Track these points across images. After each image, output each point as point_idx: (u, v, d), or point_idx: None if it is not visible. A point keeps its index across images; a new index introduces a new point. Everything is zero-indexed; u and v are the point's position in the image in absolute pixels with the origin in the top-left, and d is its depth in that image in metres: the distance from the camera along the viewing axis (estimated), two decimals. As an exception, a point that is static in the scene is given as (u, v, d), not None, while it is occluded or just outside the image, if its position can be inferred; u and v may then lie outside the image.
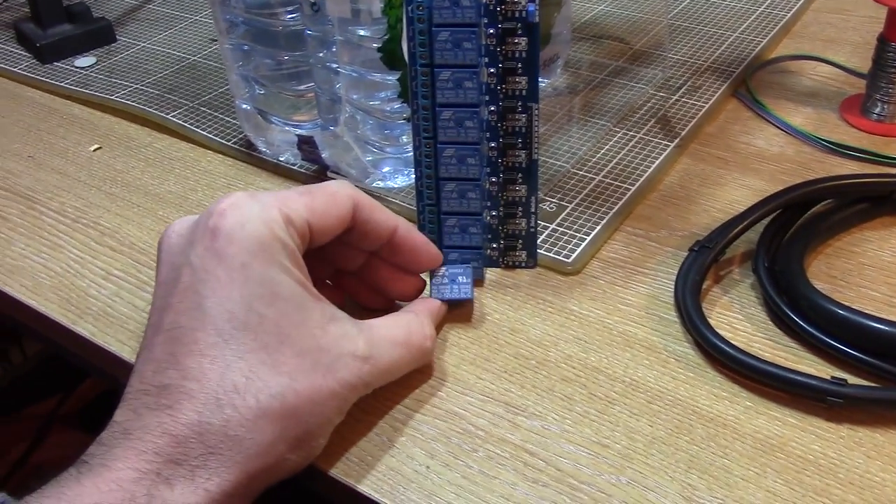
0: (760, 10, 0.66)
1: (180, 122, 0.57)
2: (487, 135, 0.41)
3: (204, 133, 0.55)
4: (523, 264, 0.44)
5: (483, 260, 0.43)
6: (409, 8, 0.38)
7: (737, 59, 0.60)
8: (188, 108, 0.58)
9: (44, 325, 0.44)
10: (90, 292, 0.45)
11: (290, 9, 0.47)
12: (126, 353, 0.41)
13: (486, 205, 0.42)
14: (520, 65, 0.39)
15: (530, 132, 0.41)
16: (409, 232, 0.39)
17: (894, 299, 0.41)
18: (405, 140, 0.48)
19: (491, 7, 0.38)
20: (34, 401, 1.04)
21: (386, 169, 0.49)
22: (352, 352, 0.34)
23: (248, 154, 0.54)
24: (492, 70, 0.39)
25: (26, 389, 1.07)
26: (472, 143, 0.40)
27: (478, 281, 0.43)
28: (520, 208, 0.42)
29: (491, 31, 0.38)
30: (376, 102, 0.46)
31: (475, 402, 0.37)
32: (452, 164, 0.40)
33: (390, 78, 0.45)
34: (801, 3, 0.67)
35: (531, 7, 0.38)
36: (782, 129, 0.53)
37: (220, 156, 0.55)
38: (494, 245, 0.43)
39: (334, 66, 0.46)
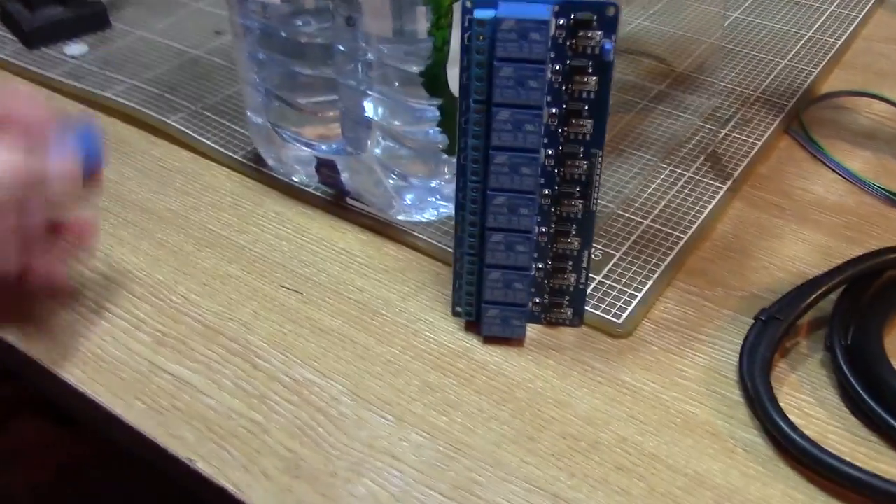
0: (809, 34, 0.62)
1: (182, 127, 0.51)
2: (542, 180, 0.36)
3: (208, 143, 0.50)
4: (568, 322, 0.39)
5: (525, 317, 0.38)
6: (467, 35, 0.33)
7: (787, 90, 0.55)
8: (191, 111, 0.53)
9: (26, 368, 0.39)
10: (77, 330, 0.39)
11: (317, 19, 0.41)
12: (119, 408, 0.36)
13: (534, 256, 0.38)
14: (586, 107, 0.35)
15: (591, 181, 0.36)
16: None
17: (980, 388, 0.37)
18: (446, 171, 0.43)
19: (560, 41, 0.33)
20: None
21: (409, 199, 0.44)
22: None
23: (256, 170, 0.48)
24: (554, 110, 0.35)
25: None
26: (527, 191, 0.35)
27: (517, 340, 0.39)
28: (570, 262, 0.38)
29: (557, 67, 0.34)
30: (412, 129, 0.41)
31: (519, 491, 0.33)
32: (502, 214, 0.36)
33: (430, 105, 0.40)
34: (851, 29, 0.63)
35: (608, 45, 0.33)
36: (840, 175, 0.49)
37: (226, 170, 0.49)
38: (538, 300, 0.39)
39: (364, 85, 0.41)
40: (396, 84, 0.40)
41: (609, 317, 0.39)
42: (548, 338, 0.39)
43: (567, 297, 0.39)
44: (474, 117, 0.34)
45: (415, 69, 0.39)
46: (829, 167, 0.50)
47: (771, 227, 0.46)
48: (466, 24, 0.32)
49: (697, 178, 0.48)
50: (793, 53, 0.60)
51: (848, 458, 0.33)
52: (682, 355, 0.38)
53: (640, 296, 0.40)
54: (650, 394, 0.37)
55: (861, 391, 0.35)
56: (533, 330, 0.39)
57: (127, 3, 0.66)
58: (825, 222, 0.46)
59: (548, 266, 0.38)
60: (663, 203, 0.46)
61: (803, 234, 0.45)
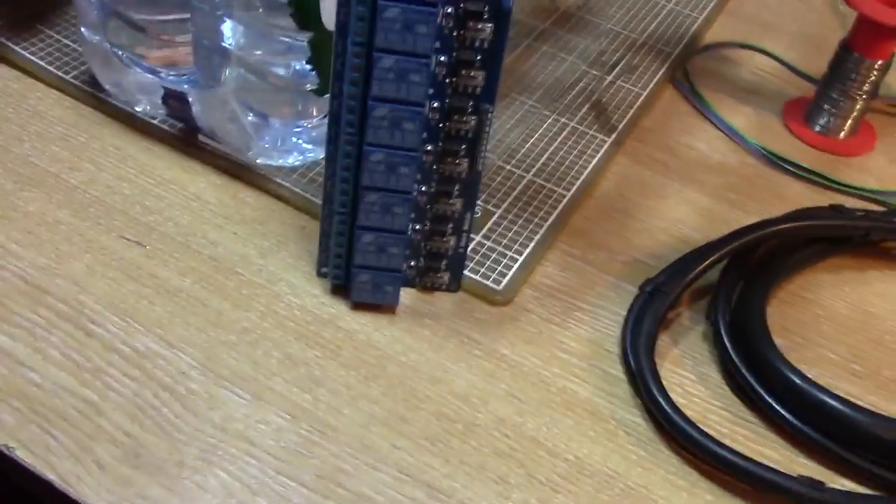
0: (693, -23, 0.60)
1: (2, 39, 0.44)
2: (425, 135, 0.32)
3: (34, 59, 0.43)
4: (444, 287, 0.36)
5: (398, 282, 0.35)
6: None
7: (673, 37, 0.53)
8: (14, 18, 0.45)
9: None
10: None
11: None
12: (-82, 384, 0.30)
13: (411, 219, 0.34)
14: (479, 56, 0.31)
15: (479, 138, 0.33)
16: None
17: (853, 364, 0.37)
18: (314, 113, 0.38)
19: None
20: None
21: (268, 139, 0.40)
22: None
23: (93, 96, 0.42)
24: (443, 59, 0.31)
25: None
26: (409, 149, 0.31)
27: (389, 307, 0.35)
28: (450, 224, 0.35)
29: (450, 10, 0.30)
30: (275, 63, 0.36)
31: (389, 480, 0.30)
32: (380, 172, 0.32)
33: (299, 39, 0.35)
34: (734, -26, 0.61)
35: (507, -10, 0.29)
36: (723, 132, 0.48)
37: (56, 93, 0.42)
38: (413, 262, 0.36)
39: (222, 8, 0.35)
40: (260, 10, 0.35)
41: (488, 282, 0.37)
42: (423, 304, 0.36)
43: (445, 261, 0.36)
44: (352, 61, 0.30)
45: (281, -4, 0.34)
46: (712, 123, 0.48)
47: (654, 185, 0.44)
48: None
49: (581, 128, 0.45)
50: (678, -4, 0.57)
51: (728, 440, 0.32)
52: (564, 326, 0.36)
53: (520, 259, 0.38)
54: (530, 369, 0.34)
55: (744, 371, 0.34)
56: (407, 295, 0.36)
57: None
58: (709, 183, 0.44)
59: (426, 227, 0.35)
60: (546, 155, 0.43)
61: (686, 195, 0.43)
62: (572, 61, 0.50)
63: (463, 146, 0.33)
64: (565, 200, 0.41)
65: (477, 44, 0.30)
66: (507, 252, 0.38)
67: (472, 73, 0.31)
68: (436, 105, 0.32)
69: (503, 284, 0.37)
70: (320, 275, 0.36)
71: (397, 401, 0.32)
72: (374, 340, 0.34)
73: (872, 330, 0.38)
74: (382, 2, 0.28)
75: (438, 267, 0.36)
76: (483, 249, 0.38)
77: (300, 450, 0.30)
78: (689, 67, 0.51)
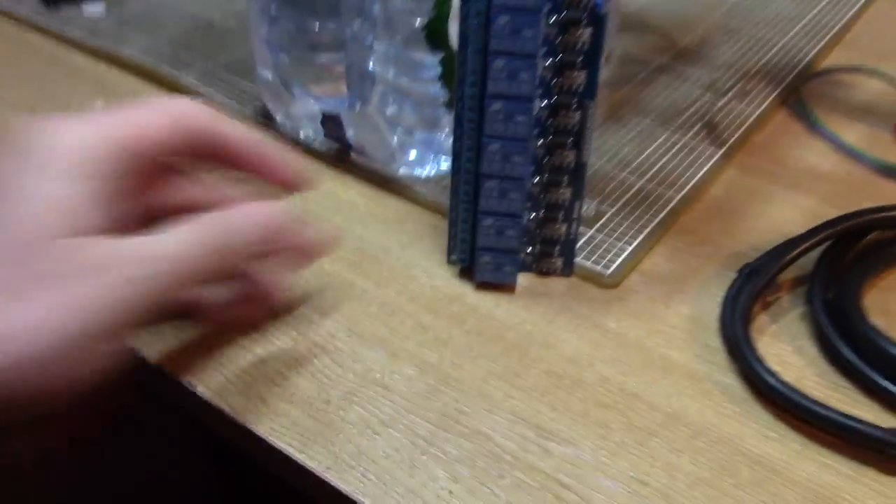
0: (811, 14, 0.63)
1: (193, 82, 0.53)
2: (536, 131, 0.37)
3: (219, 98, 0.52)
4: (558, 272, 0.41)
5: (516, 264, 0.40)
6: None
7: (787, 66, 0.56)
8: (203, 69, 0.54)
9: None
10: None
11: (326, -26, 0.43)
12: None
13: (527, 205, 0.39)
14: (580, 58, 0.36)
15: (583, 131, 0.37)
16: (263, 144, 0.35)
17: (955, 343, 0.38)
18: (444, 126, 0.44)
19: None
20: None
21: (413, 155, 0.46)
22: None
23: (265, 126, 0.50)
24: (548, 62, 0.36)
25: None
26: (520, 138, 0.36)
27: (508, 286, 0.40)
28: (562, 212, 0.39)
29: (553, 19, 0.35)
30: (415, 83, 0.43)
31: (503, 422, 0.34)
32: (497, 161, 0.37)
33: (433, 59, 0.41)
34: (853, 11, 0.64)
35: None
36: (834, 145, 0.50)
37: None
38: (529, 249, 0.40)
39: (370, 39, 0.42)
40: (400, 38, 0.41)
41: (599, 267, 0.41)
42: (539, 286, 0.41)
43: (558, 247, 0.40)
44: (472, 66, 0.36)
45: (418, 23, 0.40)
46: (823, 138, 0.51)
47: (762, 192, 0.47)
48: None
49: (693, 143, 0.49)
50: (794, 31, 0.61)
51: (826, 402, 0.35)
52: (668, 305, 0.40)
53: (629, 249, 0.42)
54: (634, 339, 0.38)
55: (837, 340, 0.36)
56: (525, 279, 0.41)
57: (146, -32, 0.68)
58: (816, 189, 0.47)
59: (539, 215, 0.39)
60: (658, 166, 0.47)
61: (794, 200, 0.46)
62: (687, 88, 0.54)
63: (570, 139, 0.37)
64: (675, 202, 0.45)
65: (578, 47, 0.36)
66: (618, 243, 0.42)
67: (574, 73, 0.36)
68: (544, 103, 0.37)
69: (612, 269, 0.41)
70: (450, 262, 0.41)
71: (512, 360, 0.37)
72: (494, 314, 0.39)
73: (977, 314, 0.40)
74: (494, 12, 0.34)
75: (552, 252, 0.40)
76: (595, 241, 0.42)
77: (427, 394, 0.35)
78: (802, 91, 0.54)
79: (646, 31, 0.60)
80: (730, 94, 0.53)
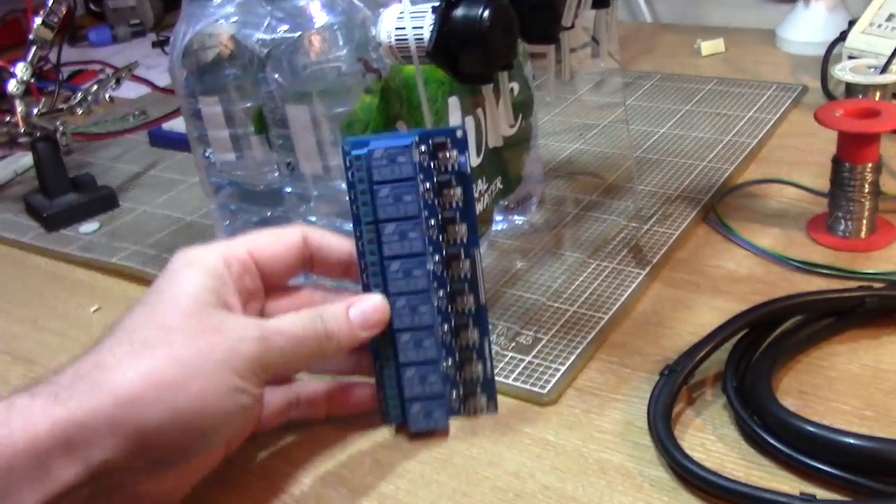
0: (727, 139, 0.69)
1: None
2: (435, 284, 0.42)
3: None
4: (484, 410, 0.44)
5: (444, 409, 0.43)
6: (349, 172, 0.40)
7: (706, 187, 0.62)
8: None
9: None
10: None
11: (270, 168, 0.50)
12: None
13: (442, 353, 0.43)
14: (458, 214, 0.41)
15: (475, 276, 0.42)
16: None
17: (864, 411, 0.41)
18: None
19: (425, 164, 0.41)
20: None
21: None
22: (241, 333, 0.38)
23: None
24: (432, 222, 0.41)
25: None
26: (421, 290, 0.41)
27: (442, 432, 0.43)
28: (474, 353, 0.43)
29: (427, 185, 0.41)
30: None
31: (453, 538, 0.38)
32: (405, 314, 0.42)
33: (364, 227, 0.47)
34: (766, 129, 0.70)
35: (462, 160, 0.41)
36: (751, 251, 0.55)
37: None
38: (454, 394, 0.44)
39: (312, 219, 0.49)
40: (336, 212, 0.48)
41: (536, 388, 0.45)
42: (481, 418, 0.44)
43: (479, 386, 0.44)
44: (367, 237, 0.41)
45: (344, 197, 0.46)
46: (741, 246, 0.56)
47: (686, 301, 0.51)
48: (347, 163, 0.40)
49: (620, 267, 0.54)
50: (712, 155, 0.67)
51: (743, 481, 0.38)
52: (601, 414, 0.44)
53: (563, 369, 0.46)
54: (572, 448, 0.42)
55: (750, 421, 0.40)
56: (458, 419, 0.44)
57: (133, 185, 0.76)
58: (735, 292, 0.51)
59: (456, 359, 0.43)
60: (588, 292, 0.52)
61: (714, 304, 0.51)
62: (614, 220, 0.59)
63: (466, 285, 0.42)
64: (604, 321, 0.49)
65: (454, 204, 0.41)
66: (553, 364, 0.46)
67: (456, 227, 0.41)
68: (437, 258, 0.42)
69: (548, 388, 0.45)
70: (384, 422, 0.44)
71: (461, 482, 0.41)
72: (445, 442, 0.43)
73: (884, 382, 0.43)
74: (376, 186, 0.40)
75: (475, 391, 0.44)
76: (532, 366, 0.47)
77: (384, 523, 0.39)
78: (718, 207, 0.60)
79: (576, 174, 0.67)
80: (653, 220, 0.59)
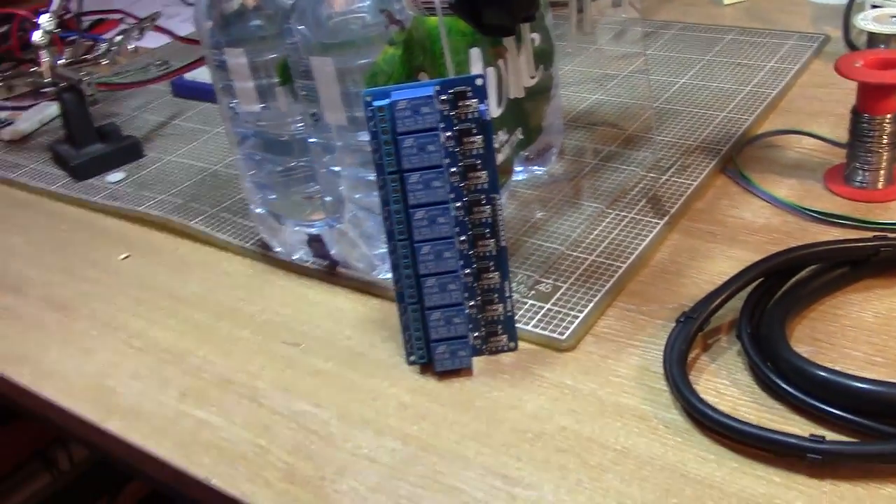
0: (748, 89, 0.69)
1: (201, 227, 0.61)
2: (457, 229, 0.43)
3: (223, 237, 0.59)
4: (505, 348, 0.46)
5: (469, 349, 0.45)
6: (372, 122, 0.41)
7: (725, 138, 0.63)
8: (209, 214, 0.62)
9: (77, 426, 0.47)
10: (118, 391, 0.48)
11: (294, 119, 0.51)
12: (150, 445, 0.44)
13: (465, 296, 0.44)
14: (478, 161, 0.42)
15: (496, 221, 0.43)
16: None
17: (875, 357, 0.42)
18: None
19: (446, 113, 0.41)
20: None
21: (383, 261, 0.52)
22: None
23: (263, 254, 0.57)
24: (454, 169, 0.42)
25: (74, 495, 1.10)
26: (446, 237, 0.43)
27: (465, 371, 0.45)
28: (496, 295, 0.45)
29: (449, 133, 0.42)
30: (376, 200, 0.50)
31: (475, 476, 0.39)
32: (430, 261, 0.43)
33: (387, 177, 0.48)
34: (786, 80, 0.70)
35: (482, 108, 0.41)
36: (768, 202, 0.56)
37: (239, 257, 0.58)
38: (476, 334, 0.45)
39: (336, 169, 0.50)
40: (359, 163, 0.49)
41: (555, 334, 0.46)
42: (505, 357, 0.46)
43: (500, 326, 0.45)
44: (391, 186, 0.42)
45: (368, 148, 0.47)
46: (758, 196, 0.56)
47: (703, 250, 0.52)
48: (370, 114, 0.41)
49: (638, 217, 0.55)
50: (732, 105, 0.67)
51: (755, 423, 0.39)
52: (618, 359, 0.45)
53: (581, 316, 0.47)
54: (589, 392, 0.43)
55: (763, 366, 0.41)
56: (481, 360, 0.46)
57: (158, 134, 0.77)
58: (751, 241, 0.52)
59: (478, 301, 0.45)
60: (607, 241, 0.53)
61: (731, 253, 0.51)
62: (632, 170, 0.60)
63: (487, 230, 0.43)
64: (622, 270, 0.50)
65: (474, 152, 0.42)
66: (572, 312, 0.48)
67: (477, 174, 0.42)
68: (459, 204, 0.43)
69: (567, 334, 0.46)
70: (409, 363, 0.46)
71: (482, 423, 0.42)
72: (465, 386, 0.44)
73: (896, 330, 0.44)
74: (400, 136, 0.41)
75: (496, 331, 0.45)
76: (552, 313, 0.48)
77: (409, 460, 0.41)
78: (737, 158, 0.60)
79: (595, 124, 0.67)
80: (672, 170, 0.59)
